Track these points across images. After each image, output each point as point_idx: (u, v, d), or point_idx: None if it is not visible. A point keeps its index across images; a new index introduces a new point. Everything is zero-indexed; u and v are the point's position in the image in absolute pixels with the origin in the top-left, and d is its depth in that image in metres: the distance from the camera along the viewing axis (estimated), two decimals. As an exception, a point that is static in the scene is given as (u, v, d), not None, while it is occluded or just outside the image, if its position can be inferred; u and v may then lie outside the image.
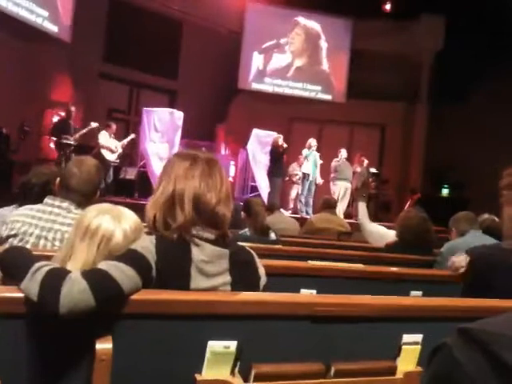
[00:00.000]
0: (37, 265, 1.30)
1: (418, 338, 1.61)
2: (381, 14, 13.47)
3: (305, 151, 10.23)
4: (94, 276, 1.29)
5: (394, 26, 13.02)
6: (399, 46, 13.01)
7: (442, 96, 12.38)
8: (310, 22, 13.88)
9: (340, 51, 13.89)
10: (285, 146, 10.02)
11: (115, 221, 1.45)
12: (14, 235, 2.17)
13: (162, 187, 1.53)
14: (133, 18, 11.99)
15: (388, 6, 13.58)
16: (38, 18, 10.19)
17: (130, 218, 1.48)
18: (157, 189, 1.55)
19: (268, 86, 13.79)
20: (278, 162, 9.96)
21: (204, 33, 12.76)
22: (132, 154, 11.21)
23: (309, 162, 10.16)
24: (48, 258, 1.48)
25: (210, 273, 1.48)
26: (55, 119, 9.78)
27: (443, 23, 12.75)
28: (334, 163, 10.46)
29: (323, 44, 13.92)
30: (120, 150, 9.63)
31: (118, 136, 9.94)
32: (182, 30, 13.20)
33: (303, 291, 2.25)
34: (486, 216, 3.87)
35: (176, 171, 1.54)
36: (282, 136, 10.17)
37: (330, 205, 5.64)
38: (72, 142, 8.93)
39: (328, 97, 13.94)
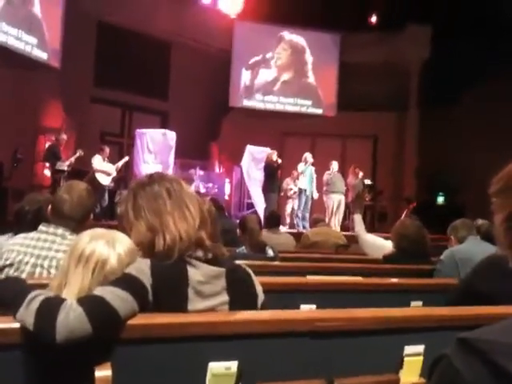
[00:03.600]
0: (32, 294, 1.30)
1: (420, 348, 1.60)
2: (367, 26, 13.65)
3: (301, 166, 10.23)
4: (89, 302, 1.28)
5: (380, 38, 13.17)
6: (387, 57, 13.15)
7: (432, 103, 12.49)
8: (295, 37, 14.04)
9: (328, 65, 14.01)
10: (279, 161, 10.05)
11: (109, 246, 1.44)
12: (10, 265, 2.15)
13: (190, 214, 1.52)
14: (121, 41, 12.07)
15: (374, 19, 13.75)
16: (27, 45, 10.23)
17: (124, 242, 1.47)
18: (185, 213, 1.53)
19: (259, 102, 13.87)
20: (273, 177, 9.97)
21: (193, 53, 12.86)
22: (126, 177, 11.21)
23: (305, 177, 10.16)
24: (44, 286, 1.47)
25: (207, 293, 1.47)
26: (48, 145, 9.78)
27: (429, 32, 12.91)
28: (325, 176, 10.45)
29: (309, 58, 14.05)
30: (114, 173, 9.63)
31: (112, 159, 9.95)
32: (170, 51, 13.30)
33: (303, 307, 2.24)
34: (481, 221, 3.88)
35: (184, 193, 1.56)
36: (275, 152, 10.20)
37: (320, 220, 5.66)
38: (66, 168, 8.93)
39: (319, 110, 14.04)
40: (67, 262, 1.45)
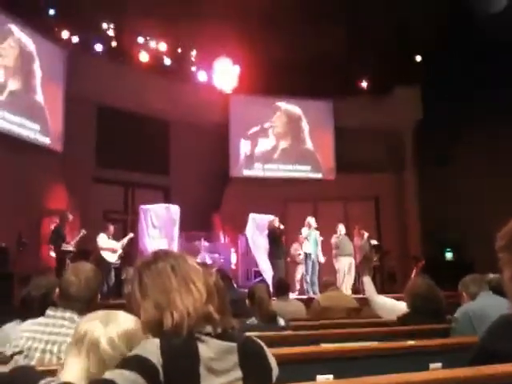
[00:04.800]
0: (41, 382, 1.27)
1: (446, 414, 1.53)
2: (358, 91, 14.09)
3: (305, 231, 10.23)
4: (100, 387, 1.25)
5: (372, 102, 13.56)
6: (380, 119, 13.47)
7: (428, 161, 12.66)
8: (290, 106, 14.47)
9: (324, 130, 14.34)
10: (281, 227, 10.05)
11: (101, 326, 1.40)
12: (19, 352, 2.12)
13: (197, 289, 1.51)
14: (121, 122, 12.43)
15: (364, 84, 14.21)
16: (30, 131, 10.53)
17: (120, 323, 1.43)
18: (191, 288, 1.51)
19: (259, 171, 14.08)
20: (277, 243, 9.94)
21: (191, 128, 13.19)
22: (132, 253, 11.18)
23: (309, 242, 10.14)
24: (54, 372, 1.44)
25: (219, 370, 1.42)
26: (53, 227, 9.83)
27: (418, 92, 13.31)
28: (334, 239, 10.44)
29: (305, 125, 14.41)
30: (120, 251, 9.62)
31: (117, 236, 9.96)
32: (169, 128, 13.65)
33: (319, 378, 2.17)
34: (491, 276, 3.83)
35: (190, 268, 1.55)
36: (277, 218, 10.23)
37: (330, 284, 5.57)
38: (71, 249, 8.93)
39: (318, 175, 14.22)
40: (69, 346, 1.43)
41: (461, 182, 12.31)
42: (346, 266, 10.21)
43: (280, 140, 14.34)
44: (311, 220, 10.36)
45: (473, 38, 11.09)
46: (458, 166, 12.51)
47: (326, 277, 7.67)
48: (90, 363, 1.36)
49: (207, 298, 1.50)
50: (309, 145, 14.40)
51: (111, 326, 1.41)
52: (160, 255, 1.60)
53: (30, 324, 2.21)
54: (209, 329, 1.46)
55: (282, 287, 5.31)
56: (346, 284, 10.07)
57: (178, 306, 1.45)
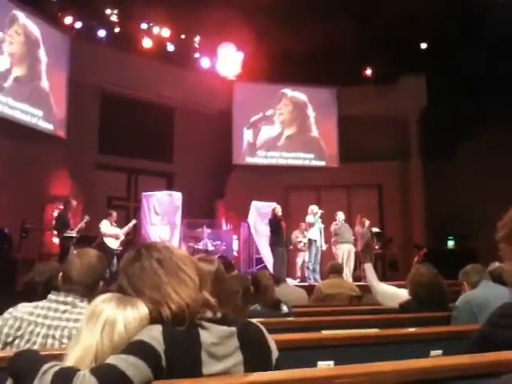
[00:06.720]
0: (44, 367, 1.28)
1: (446, 401, 1.54)
2: (363, 79, 14.01)
3: (310, 218, 10.22)
4: (102, 372, 1.26)
5: (377, 90, 13.49)
6: (385, 108, 13.40)
7: (433, 150, 12.60)
8: (296, 93, 14.40)
9: (328, 118, 14.28)
10: (279, 214, 10.06)
11: (119, 308, 1.42)
12: (21, 336, 2.13)
13: (188, 277, 1.50)
14: (125, 109, 12.40)
15: (369, 72, 14.12)
16: (33, 118, 10.52)
17: (137, 309, 1.44)
18: (183, 277, 1.50)
19: (261, 158, 14.06)
20: (278, 231, 9.95)
21: (195, 115, 13.17)
22: (134, 240, 11.22)
23: (315, 229, 10.15)
24: (56, 357, 1.45)
25: (221, 355, 1.43)
26: (56, 214, 9.86)
27: (424, 81, 13.22)
28: (333, 227, 10.44)
29: (311, 112, 14.35)
30: (123, 237, 9.64)
31: (120, 223, 9.99)
32: (173, 115, 13.62)
33: (320, 364, 2.18)
34: (496, 264, 3.84)
35: (176, 257, 1.54)
36: (278, 206, 10.23)
37: (336, 270, 5.56)
38: (74, 235, 8.96)
39: (321, 163, 14.19)
40: (82, 323, 1.44)
41: (465, 171, 12.27)
42: (345, 253, 10.20)
43: (286, 127, 14.30)
44: (315, 208, 10.36)
45: (479, 26, 10.97)
46: (463, 155, 12.46)
47: (334, 261, 7.68)
48: (101, 341, 1.37)
49: (200, 283, 1.49)
50: (314, 132, 14.36)
51: (129, 310, 1.42)
52: (142, 252, 1.56)
53: (32, 307, 2.20)
54: (208, 314, 1.47)
55: (279, 278, 5.39)
56: (346, 271, 10.08)
57: (174, 299, 1.44)
